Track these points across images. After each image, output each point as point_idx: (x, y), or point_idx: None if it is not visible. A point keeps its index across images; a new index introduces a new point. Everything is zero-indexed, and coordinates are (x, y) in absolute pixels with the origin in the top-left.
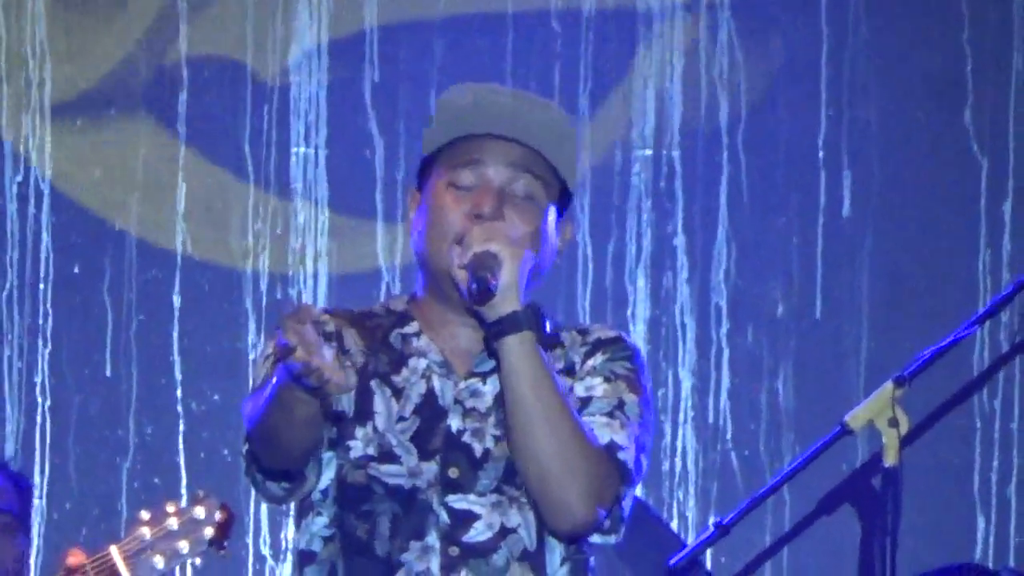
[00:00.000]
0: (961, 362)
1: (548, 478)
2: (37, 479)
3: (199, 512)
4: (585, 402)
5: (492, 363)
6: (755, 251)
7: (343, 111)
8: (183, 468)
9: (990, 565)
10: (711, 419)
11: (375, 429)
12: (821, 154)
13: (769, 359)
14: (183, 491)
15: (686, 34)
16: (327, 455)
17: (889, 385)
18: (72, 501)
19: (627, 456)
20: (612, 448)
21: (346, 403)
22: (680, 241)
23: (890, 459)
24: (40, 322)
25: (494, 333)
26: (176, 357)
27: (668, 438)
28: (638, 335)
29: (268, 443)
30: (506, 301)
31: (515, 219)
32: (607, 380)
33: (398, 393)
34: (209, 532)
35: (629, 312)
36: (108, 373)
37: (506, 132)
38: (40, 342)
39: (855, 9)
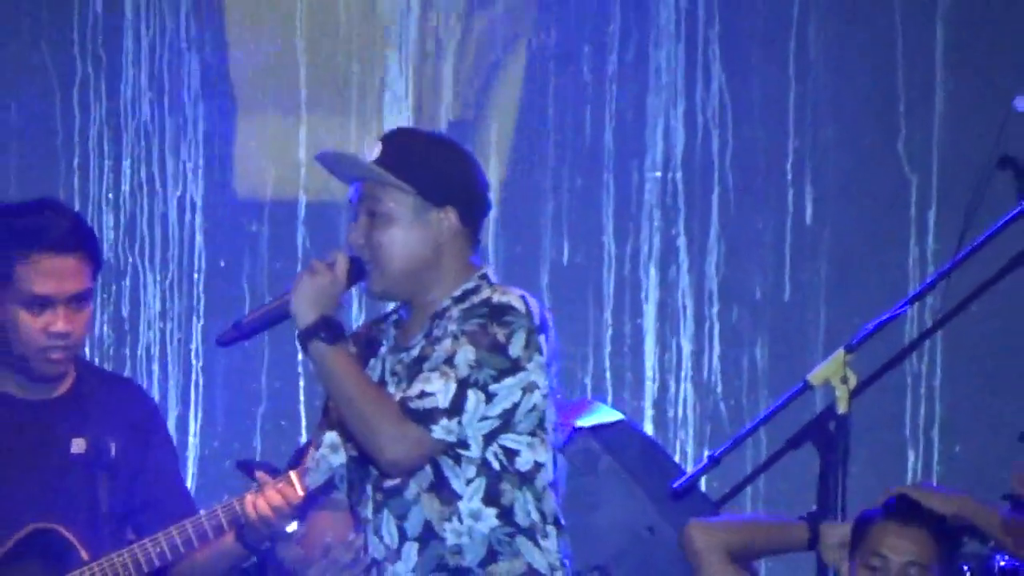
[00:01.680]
0: (896, 333)
1: (356, 437)
2: (192, 423)
3: None
4: (423, 361)
5: (416, 343)
6: (739, 248)
7: None
8: (303, 415)
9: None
10: (705, 377)
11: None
12: (789, 176)
13: (749, 332)
14: (302, 432)
15: (685, 84)
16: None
17: (841, 351)
18: (219, 440)
19: (421, 402)
20: (405, 402)
21: None
22: (682, 242)
23: (842, 408)
24: (195, 303)
25: (300, 342)
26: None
27: (672, 391)
28: (649, 314)
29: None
30: (303, 318)
31: (378, 238)
32: (455, 338)
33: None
34: None
35: (642, 295)
36: (246, 342)
37: (350, 174)
38: (195, 318)
39: (815, 57)
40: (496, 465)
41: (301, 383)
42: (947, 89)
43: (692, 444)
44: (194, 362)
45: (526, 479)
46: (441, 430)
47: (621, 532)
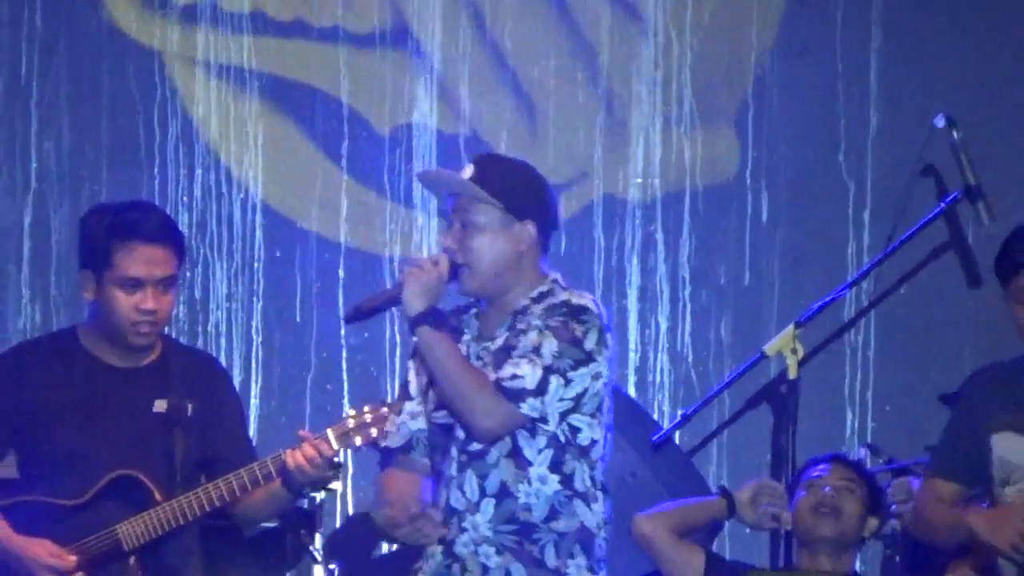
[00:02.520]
0: (837, 312)
1: (455, 410)
2: (252, 387)
3: (384, 411)
4: (511, 351)
5: (500, 334)
6: (706, 242)
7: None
8: (345, 380)
9: (856, 442)
10: (679, 349)
11: (434, 391)
12: (748, 182)
13: (715, 311)
14: (345, 395)
15: (664, 109)
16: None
17: (792, 327)
18: (276, 400)
19: (516, 384)
20: (499, 381)
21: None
22: (659, 236)
23: (792, 374)
24: (255, 288)
25: (410, 327)
26: (340, 307)
27: (651, 361)
28: (632, 296)
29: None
30: (411, 304)
31: (469, 243)
32: (539, 332)
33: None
34: (390, 426)
35: (626, 281)
36: (298, 319)
37: (448, 190)
38: (255, 300)
39: (770, 84)
40: (562, 439)
41: (344, 354)
42: (879, 111)
43: (668, 404)
44: (254, 337)
45: (584, 452)
46: (528, 407)
47: (608, 475)
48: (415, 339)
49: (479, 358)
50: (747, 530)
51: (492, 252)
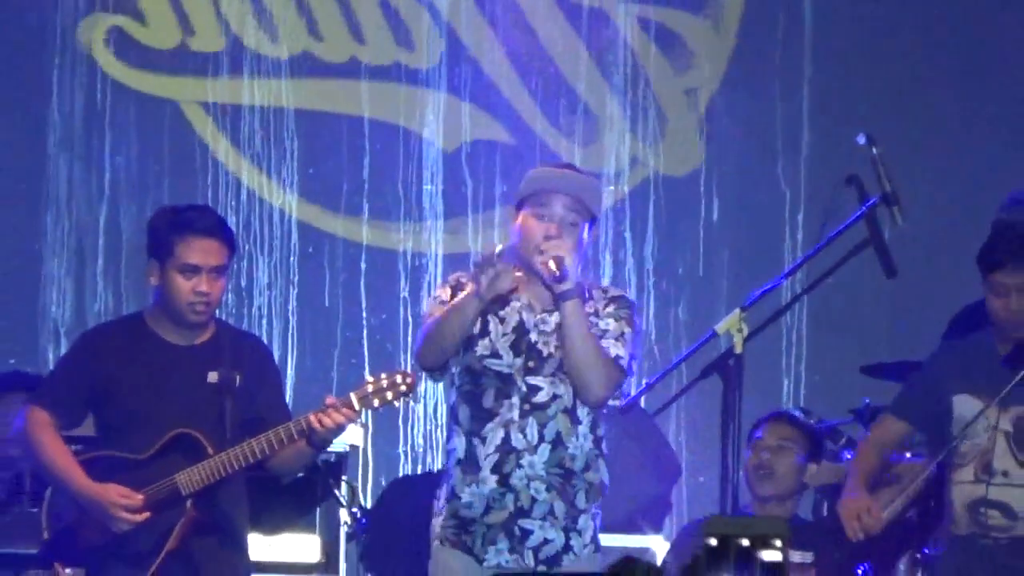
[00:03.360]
0: (775, 298)
1: (581, 374)
2: (289, 360)
3: (398, 378)
4: (604, 332)
5: (554, 309)
6: (667, 240)
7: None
8: (366, 355)
9: (791, 406)
10: (644, 328)
11: (491, 341)
12: (702, 188)
13: (674, 297)
14: (366, 367)
15: (630, 126)
16: (461, 355)
17: (738, 311)
18: (308, 371)
19: (623, 362)
20: (617, 358)
21: (476, 326)
22: (627, 235)
23: (738, 350)
24: (291, 277)
25: (560, 297)
26: (362, 294)
27: None
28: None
29: (434, 345)
30: (567, 283)
31: (568, 235)
32: (616, 320)
33: (503, 320)
34: (403, 389)
35: (600, 271)
36: (326, 304)
37: (560, 189)
38: (291, 288)
39: (720, 108)
40: (604, 408)
41: (365, 332)
42: (810, 131)
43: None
44: (290, 319)
45: (603, 420)
46: (625, 383)
47: None
48: (562, 308)
49: (538, 328)
50: (700, 479)
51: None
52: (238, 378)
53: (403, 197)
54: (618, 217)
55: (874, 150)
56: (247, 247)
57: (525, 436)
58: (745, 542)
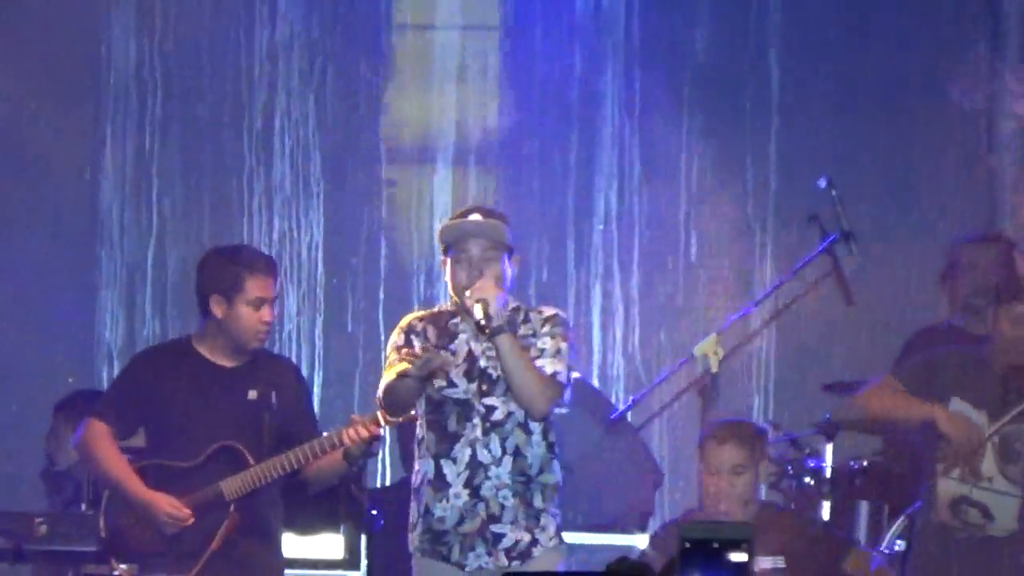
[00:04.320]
0: (747, 324)
1: (524, 396)
2: (316, 379)
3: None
4: (542, 351)
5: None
6: (650, 270)
7: None
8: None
9: (761, 419)
10: (630, 350)
11: (445, 373)
12: (681, 222)
13: (657, 323)
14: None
15: (618, 168)
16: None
17: (714, 335)
18: (333, 389)
19: (561, 376)
20: (555, 374)
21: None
22: (615, 267)
23: (714, 370)
24: (317, 306)
25: (492, 334)
26: (380, 320)
27: (610, 359)
28: (595, 312)
29: (392, 405)
30: (494, 321)
31: (488, 275)
32: (552, 337)
33: (454, 353)
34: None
35: (592, 300)
36: (349, 329)
37: (473, 233)
38: (317, 315)
39: (698, 158)
40: (551, 416)
41: (383, 355)
42: (776, 176)
43: (622, 392)
44: (316, 342)
45: (554, 426)
46: (565, 396)
47: (578, 443)
48: (495, 342)
49: (485, 354)
50: (680, 484)
51: (503, 280)
52: (274, 396)
53: (416, 233)
54: (607, 250)
55: (833, 192)
56: (278, 280)
57: (489, 451)
58: (715, 545)
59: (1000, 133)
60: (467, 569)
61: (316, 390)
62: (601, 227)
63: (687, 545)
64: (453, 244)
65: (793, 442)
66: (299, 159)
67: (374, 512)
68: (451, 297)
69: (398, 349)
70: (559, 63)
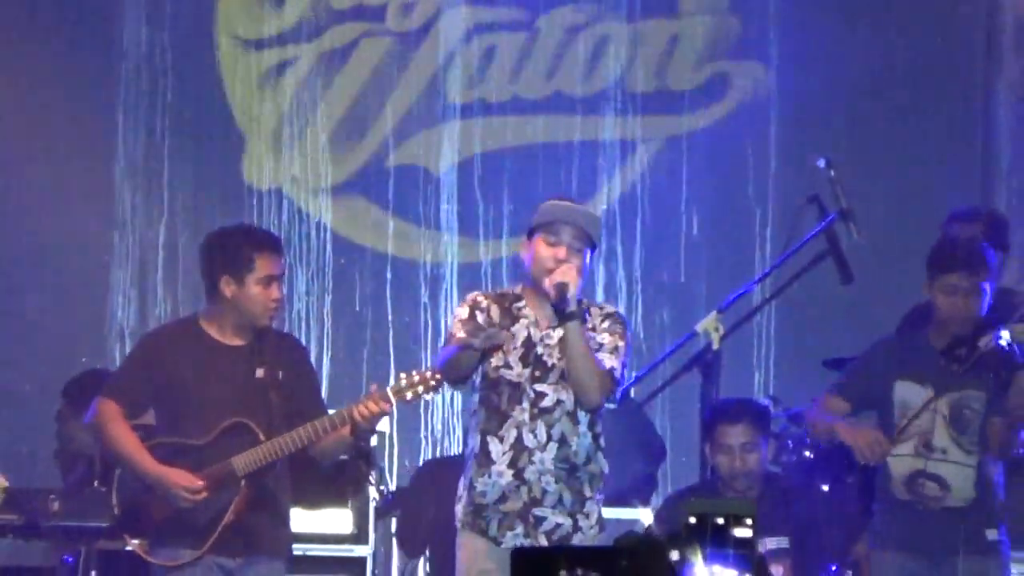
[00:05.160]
0: (747, 301)
1: (580, 384)
2: (324, 358)
3: (428, 375)
4: (600, 345)
5: (557, 326)
6: (653, 253)
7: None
8: (391, 353)
9: (761, 395)
10: (633, 328)
11: (503, 353)
12: (683, 208)
13: (659, 301)
14: (391, 364)
15: (620, 157)
16: (479, 364)
17: (715, 312)
18: (341, 367)
19: (616, 373)
20: (611, 370)
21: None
22: (619, 248)
23: (715, 346)
24: (326, 285)
25: (563, 319)
26: (388, 301)
27: None
28: (600, 291)
29: (449, 374)
30: (569, 306)
31: (574, 262)
32: (611, 334)
33: (513, 336)
34: (432, 384)
35: (596, 280)
36: (357, 308)
37: (568, 220)
38: (326, 295)
39: (697, 142)
40: (601, 409)
41: (391, 334)
42: (776, 156)
43: (626, 369)
44: (325, 321)
45: (603, 416)
46: (616, 393)
47: None
48: (565, 328)
49: (543, 342)
50: (683, 459)
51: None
52: (281, 374)
53: (423, 217)
54: (610, 234)
55: (832, 172)
56: (288, 260)
57: (535, 436)
58: (720, 520)
59: (996, 111)
60: (503, 546)
61: (324, 369)
62: (604, 207)
63: (692, 521)
64: (546, 225)
65: (793, 417)
66: (307, 140)
67: (382, 488)
68: (522, 286)
69: (462, 322)
70: (566, 49)
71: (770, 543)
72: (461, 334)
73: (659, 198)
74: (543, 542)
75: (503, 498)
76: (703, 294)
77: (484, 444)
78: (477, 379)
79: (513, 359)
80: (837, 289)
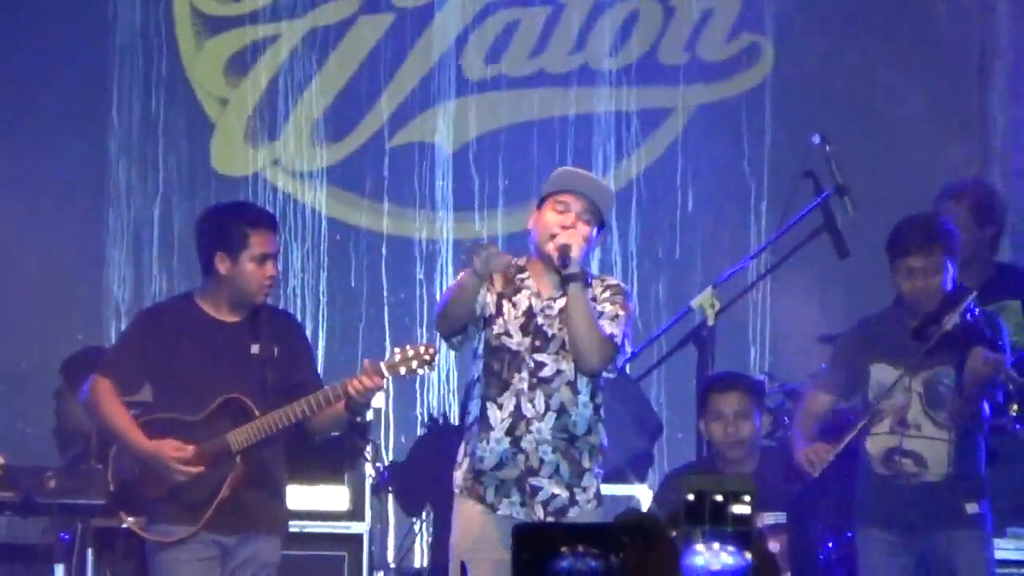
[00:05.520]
0: (743, 276)
1: (582, 350)
2: (320, 334)
3: (422, 350)
4: (600, 314)
5: (561, 293)
6: (648, 228)
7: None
8: (387, 328)
9: (757, 371)
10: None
11: (504, 321)
12: (678, 183)
13: (655, 277)
14: (386, 339)
15: (615, 129)
16: (481, 331)
17: (710, 288)
18: (336, 343)
19: (617, 339)
20: (612, 336)
21: (492, 307)
22: (614, 223)
23: (711, 322)
24: (321, 261)
25: (566, 279)
26: (383, 277)
27: None
28: (595, 267)
29: (444, 316)
30: (571, 267)
31: (580, 229)
32: (612, 304)
33: (515, 305)
34: (427, 359)
35: (591, 255)
36: (352, 284)
37: (579, 189)
38: (321, 271)
39: (694, 119)
40: (602, 380)
41: (386, 309)
42: (772, 132)
43: (627, 341)
44: (320, 298)
45: (602, 389)
46: (617, 362)
47: None
48: (568, 289)
49: (544, 312)
50: (679, 435)
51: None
52: (276, 349)
53: (417, 194)
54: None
55: (827, 148)
56: (284, 237)
57: (534, 405)
58: (719, 497)
59: (993, 83)
60: (498, 513)
61: (320, 345)
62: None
63: (691, 498)
64: (555, 193)
65: (789, 393)
66: (302, 118)
67: (378, 465)
68: (528, 256)
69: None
70: (555, 19)
71: (768, 518)
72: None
73: (655, 174)
74: (539, 513)
75: (500, 464)
76: (698, 270)
77: (484, 410)
78: (480, 347)
79: (513, 328)
80: (832, 265)
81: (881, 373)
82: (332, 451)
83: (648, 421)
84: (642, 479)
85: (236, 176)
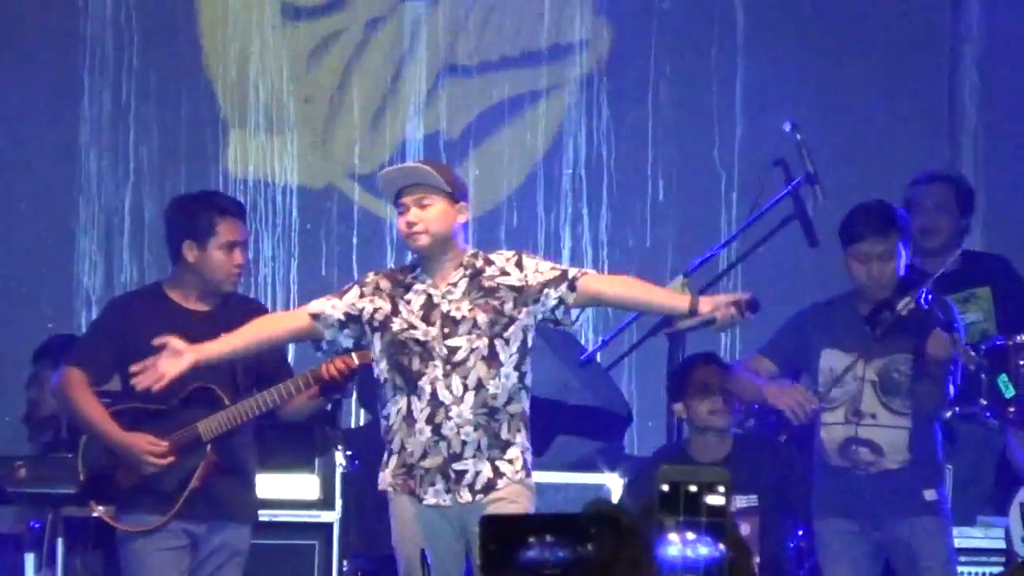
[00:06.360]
0: (714, 266)
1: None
2: None
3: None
4: (544, 274)
5: (458, 281)
6: (619, 217)
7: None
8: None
9: (728, 359)
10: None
11: (403, 318)
12: (649, 172)
13: (625, 265)
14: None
15: (587, 118)
16: (375, 335)
17: (681, 277)
18: None
19: (575, 270)
20: (573, 279)
21: (384, 310)
22: (585, 211)
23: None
24: (291, 250)
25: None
26: (354, 264)
27: None
28: (565, 256)
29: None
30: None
31: (424, 214)
32: (535, 261)
33: (409, 302)
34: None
35: (561, 244)
36: (323, 273)
37: (400, 183)
38: (292, 260)
39: (664, 104)
40: (530, 344)
41: None
42: (742, 121)
43: (592, 334)
44: (291, 286)
45: (531, 354)
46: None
47: (549, 384)
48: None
49: (446, 298)
50: (649, 424)
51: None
52: None
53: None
54: (576, 196)
55: (798, 136)
56: (254, 225)
57: (451, 391)
58: (693, 488)
59: (963, 73)
60: (424, 503)
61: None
62: (570, 171)
63: (664, 488)
64: (394, 201)
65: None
66: (273, 106)
67: (348, 453)
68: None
69: (338, 294)
70: (528, 10)
71: (739, 501)
72: (322, 302)
73: (625, 162)
74: (467, 497)
75: (424, 455)
76: (669, 258)
77: (409, 404)
78: (379, 348)
79: (416, 320)
80: (803, 252)
81: (832, 359)
82: (302, 438)
83: (618, 409)
84: (612, 468)
85: (208, 166)
